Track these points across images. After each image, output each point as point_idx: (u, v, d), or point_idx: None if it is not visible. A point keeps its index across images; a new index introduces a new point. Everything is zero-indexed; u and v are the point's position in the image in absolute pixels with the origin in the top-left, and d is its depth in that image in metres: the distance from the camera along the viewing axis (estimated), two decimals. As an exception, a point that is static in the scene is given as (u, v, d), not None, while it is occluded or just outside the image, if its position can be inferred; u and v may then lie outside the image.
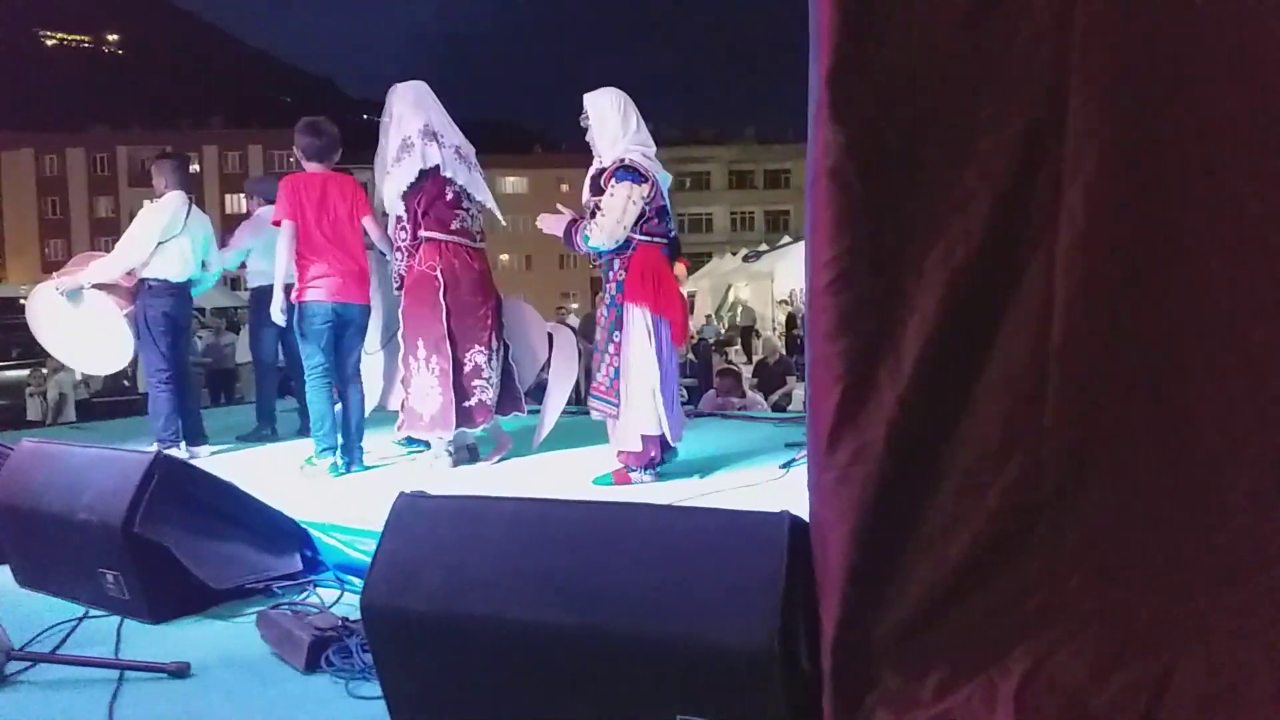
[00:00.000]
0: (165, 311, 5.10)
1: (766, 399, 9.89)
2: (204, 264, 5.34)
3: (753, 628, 1.74)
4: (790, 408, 10.26)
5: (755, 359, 16.12)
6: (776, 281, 23.18)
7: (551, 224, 4.27)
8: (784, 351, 14.59)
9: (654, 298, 3.99)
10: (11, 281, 38.60)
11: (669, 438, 4.08)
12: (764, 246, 15.61)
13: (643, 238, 4.02)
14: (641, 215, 3.99)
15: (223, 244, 5.84)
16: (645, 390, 3.99)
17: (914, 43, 1.78)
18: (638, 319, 4.00)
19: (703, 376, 11.94)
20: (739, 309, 24.27)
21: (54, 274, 5.34)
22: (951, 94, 1.77)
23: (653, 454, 4.09)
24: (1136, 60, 1.70)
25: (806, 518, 1.85)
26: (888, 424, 1.71)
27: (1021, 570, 1.73)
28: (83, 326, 5.21)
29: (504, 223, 5.02)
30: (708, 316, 23.67)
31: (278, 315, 4.63)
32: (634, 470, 4.10)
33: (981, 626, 1.72)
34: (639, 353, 4.00)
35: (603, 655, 1.88)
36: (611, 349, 4.06)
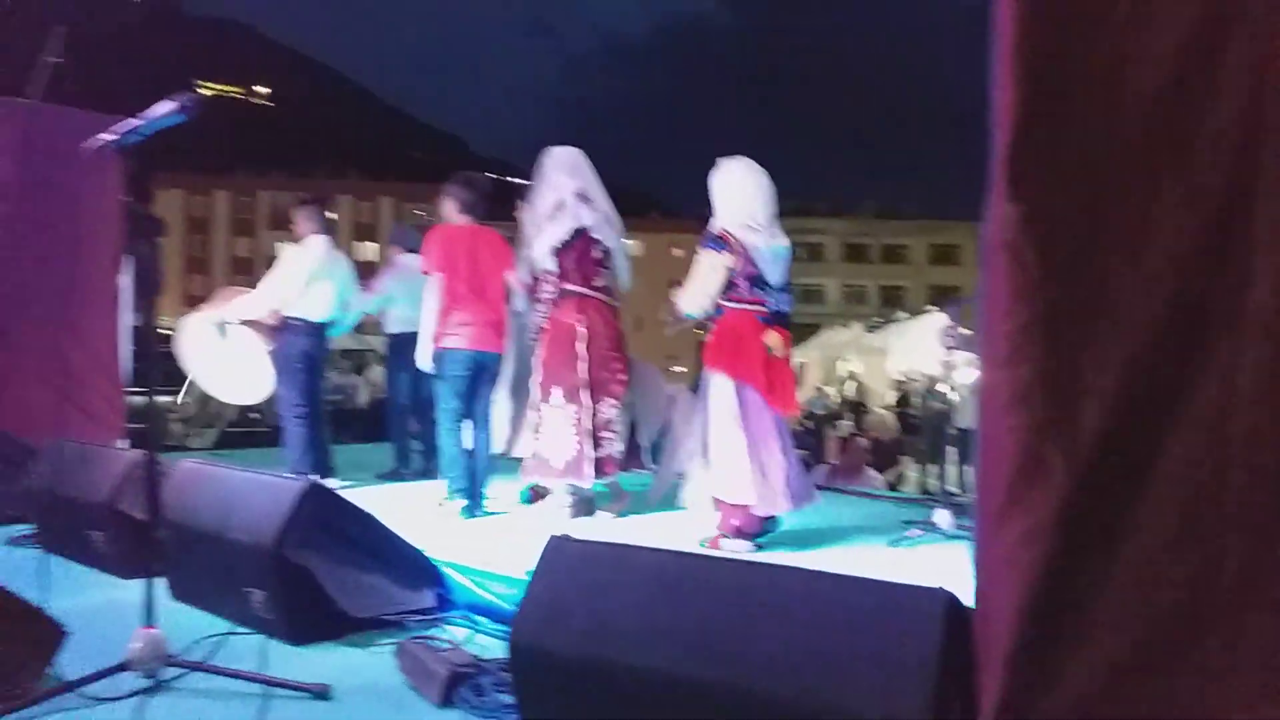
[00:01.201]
0: (305, 349, 5.34)
1: (880, 476, 9.68)
2: (343, 305, 5.59)
3: (903, 705, 1.72)
4: (903, 488, 10.02)
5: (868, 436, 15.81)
6: (890, 357, 22.78)
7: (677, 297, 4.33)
8: (898, 430, 14.29)
9: (731, 363, 4.00)
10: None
11: (761, 507, 3.99)
12: (877, 320, 15.43)
13: (731, 305, 4.06)
14: (731, 284, 4.03)
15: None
16: (727, 454, 3.99)
17: (1097, 120, 1.78)
18: (716, 384, 4.04)
19: (813, 449, 11.79)
20: (849, 384, 23.89)
21: (202, 308, 5.66)
22: (1135, 174, 1.76)
23: (735, 522, 4.02)
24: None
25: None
26: (1059, 506, 1.68)
27: (1198, 668, 1.66)
28: (227, 358, 5.49)
29: (626, 289, 5.11)
30: (817, 389, 23.38)
31: (426, 364, 4.80)
32: (726, 538, 4.06)
33: (1150, 722, 1.66)
34: (719, 418, 4.02)
35: (741, 716, 1.88)
36: (699, 413, 4.12)
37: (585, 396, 4.59)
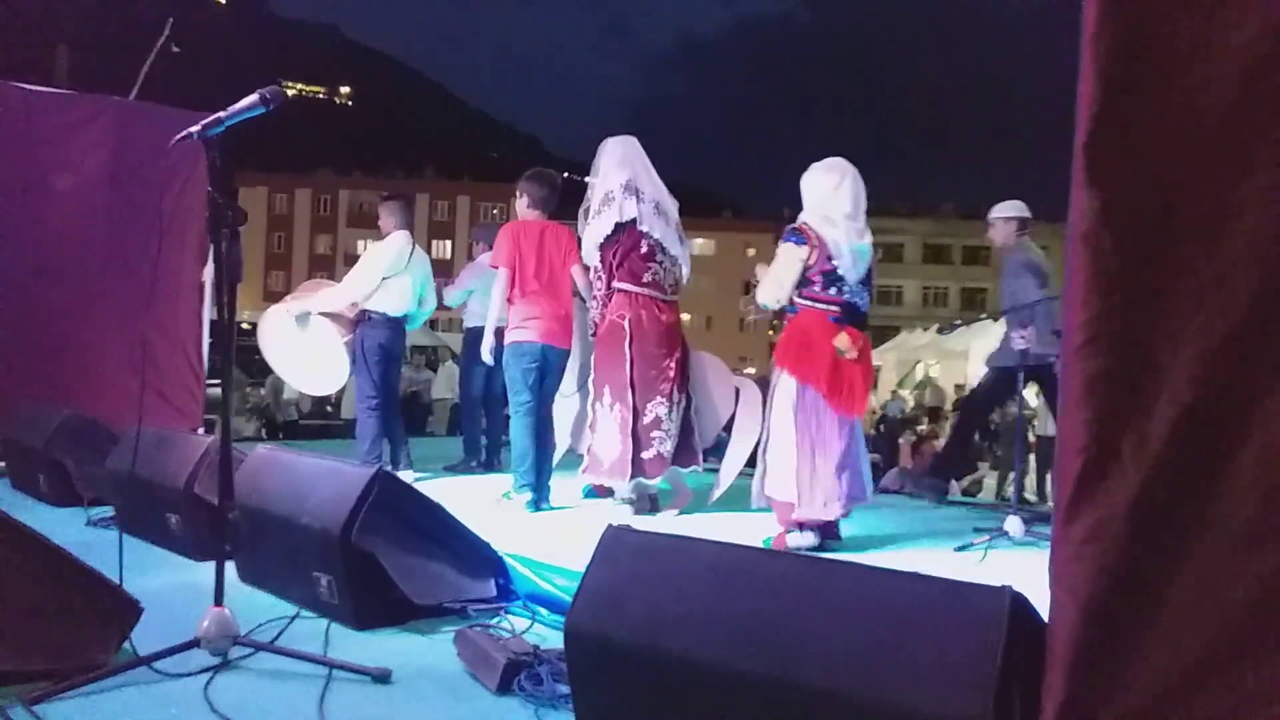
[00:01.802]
0: (381, 343, 5.43)
1: (956, 483, 9.49)
2: (420, 300, 5.67)
3: (965, 703, 1.67)
4: (980, 496, 9.81)
5: (944, 440, 15.54)
6: (970, 361, 22.33)
7: (759, 271, 4.30)
8: (976, 437, 13.98)
9: (794, 362, 3.97)
10: (236, 306, 41.84)
11: (802, 508, 3.95)
12: (959, 322, 15.15)
13: (804, 301, 4.02)
14: (805, 280, 3.98)
15: (437, 287, 6.19)
16: (782, 454, 3.96)
17: (1178, 107, 1.72)
18: (782, 383, 4.03)
19: (886, 453, 11.62)
20: (928, 388, 23.50)
21: (284, 300, 5.80)
22: (1217, 162, 1.70)
23: (794, 517, 3.99)
24: None
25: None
26: (1130, 501, 1.63)
27: (1270, 673, 1.59)
28: (307, 349, 5.61)
29: (685, 280, 5.05)
30: (893, 392, 23.03)
31: (486, 355, 4.87)
32: (790, 533, 4.02)
33: (1220, 728, 1.59)
34: (778, 416, 4.02)
35: (798, 710, 1.85)
36: (765, 411, 4.12)
37: (629, 396, 4.57)
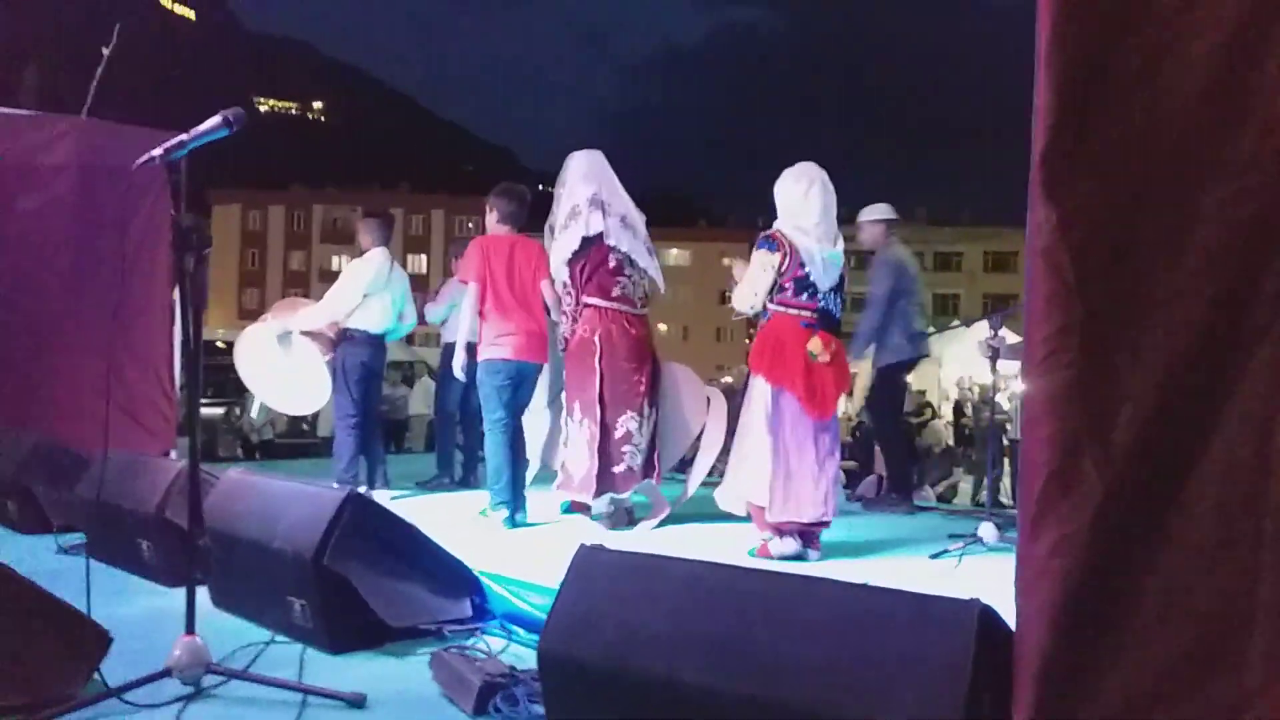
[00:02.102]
0: (363, 360, 5.43)
1: (931, 489, 9.55)
2: (400, 316, 5.67)
3: (936, 716, 1.68)
4: (955, 501, 9.87)
5: (920, 447, 15.61)
6: (944, 367, 22.46)
7: (736, 270, 4.32)
8: (950, 441, 14.07)
9: (769, 367, 4.01)
10: (211, 325, 41.61)
11: (774, 512, 3.96)
12: (931, 329, 15.22)
13: (776, 308, 4.07)
14: (777, 286, 4.02)
15: (416, 302, 6.17)
16: (754, 458, 3.99)
17: (1136, 121, 1.74)
18: (757, 387, 4.07)
19: (863, 460, 11.65)
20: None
21: (263, 317, 5.76)
22: (1175, 174, 1.72)
23: (772, 521, 4.00)
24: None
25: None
26: (1093, 515, 1.64)
27: (1232, 684, 1.60)
28: (287, 369, 5.57)
29: (662, 291, 5.09)
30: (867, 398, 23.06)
31: (458, 371, 4.85)
32: (770, 540, 4.03)
33: (1184, 740, 1.60)
34: (753, 420, 4.06)
35: (772, 729, 1.85)
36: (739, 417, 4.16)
37: (598, 412, 4.57)
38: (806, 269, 4.04)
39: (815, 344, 4.02)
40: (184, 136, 2.67)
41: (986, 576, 3.60)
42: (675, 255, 54.29)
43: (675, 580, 2.07)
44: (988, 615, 1.76)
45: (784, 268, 4.02)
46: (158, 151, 2.65)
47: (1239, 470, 1.64)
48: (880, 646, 1.79)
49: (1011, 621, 1.76)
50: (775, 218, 4.21)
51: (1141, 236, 1.72)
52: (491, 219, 5.01)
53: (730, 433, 5.87)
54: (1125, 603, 1.65)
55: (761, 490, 3.99)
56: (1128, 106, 1.74)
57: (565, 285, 4.76)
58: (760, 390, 4.04)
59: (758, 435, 4.02)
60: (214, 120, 2.69)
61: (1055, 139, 1.76)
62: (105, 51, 6.63)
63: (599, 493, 4.58)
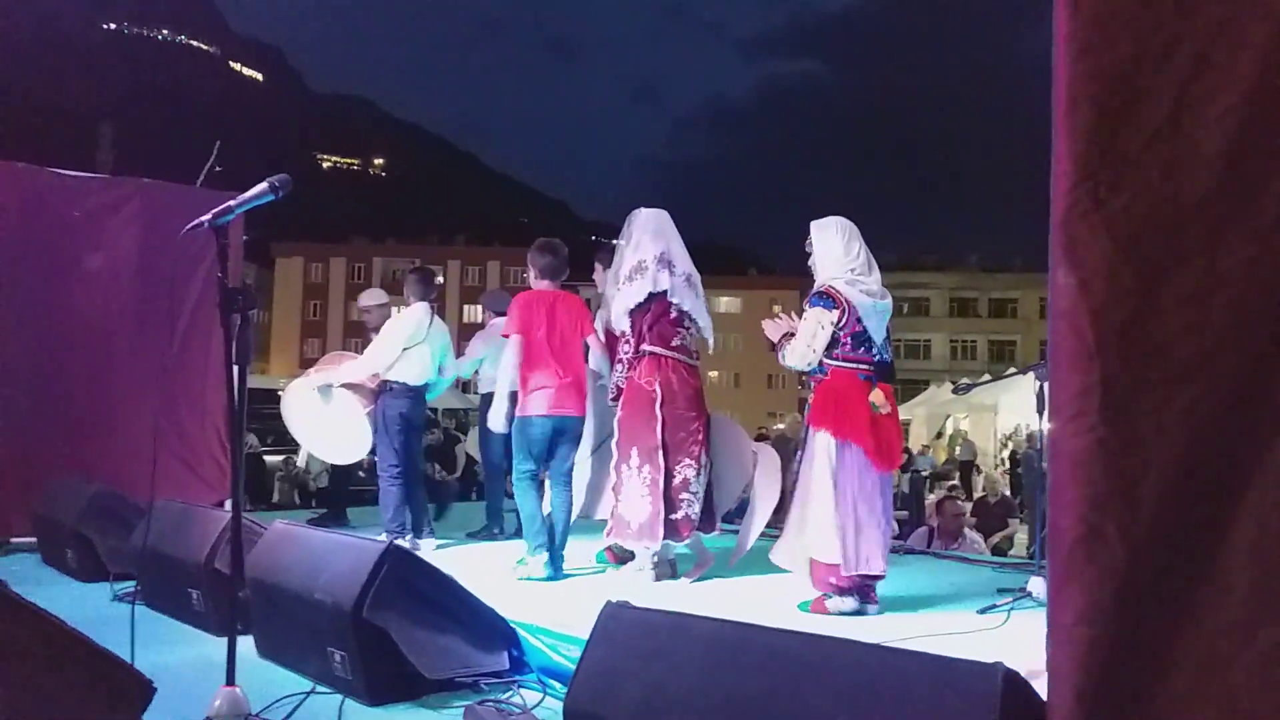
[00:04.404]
0: (402, 412, 5.54)
1: (986, 540, 9.34)
2: (440, 369, 5.77)
3: (960, 784, 1.66)
4: (1012, 552, 9.63)
5: (976, 497, 15.32)
6: (1000, 415, 22.12)
7: (770, 329, 4.36)
8: (1007, 491, 13.78)
9: (835, 423, 3.99)
10: (273, 374, 42.55)
11: (848, 565, 3.93)
12: (986, 377, 14.99)
13: (835, 363, 4.06)
14: (835, 341, 4.02)
15: (460, 351, 6.29)
16: (819, 516, 3.95)
17: (1154, 184, 1.73)
18: (820, 444, 4.04)
19: (914, 510, 11.48)
20: (959, 443, 23.24)
21: (308, 371, 5.92)
22: (1196, 238, 1.71)
23: (834, 580, 3.98)
24: None
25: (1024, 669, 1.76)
26: (1118, 582, 1.61)
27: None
28: (329, 420, 5.73)
29: (710, 348, 5.14)
30: (924, 446, 22.79)
31: (499, 424, 4.90)
32: (829, 598, 4.00)
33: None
34: (817, 478, 4.02)
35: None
36: (795, 471, 4.13)
37: (660, 458, 4.59)
38: (864, 324, 4.06)
39: (878, 396, 4.04)
40: (231, 203, 2.80)
41: (1033, 633, 3.52)
42: (726, 303, 54.31)
43: (699, 639, 2.07)
44: (1012, 679, 1.74)
45: (842, 323, 4.04)
46: (206, 218, 2.77)
47: (1271, 542, 1.60)
48: (904, 710, 1.77)
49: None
50: (808, 270, 4.25)
51: (1162, 300, 1.70)
52: (531, 275, 5.10)
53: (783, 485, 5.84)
54: (1156, 676, 1.62)
55: (827, 547, 3.96)
56: (1145, 168, 1.73)
57: (624, 334, 4.84)
58: (824, 445, 4.02)
59: (822, 491, 4.00)
60: (261, 187, 2.82)
61: (1074, 204, 1.77)
62: (209, 165, 7.01)
63: (664, 539, 4.59)
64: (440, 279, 52.51)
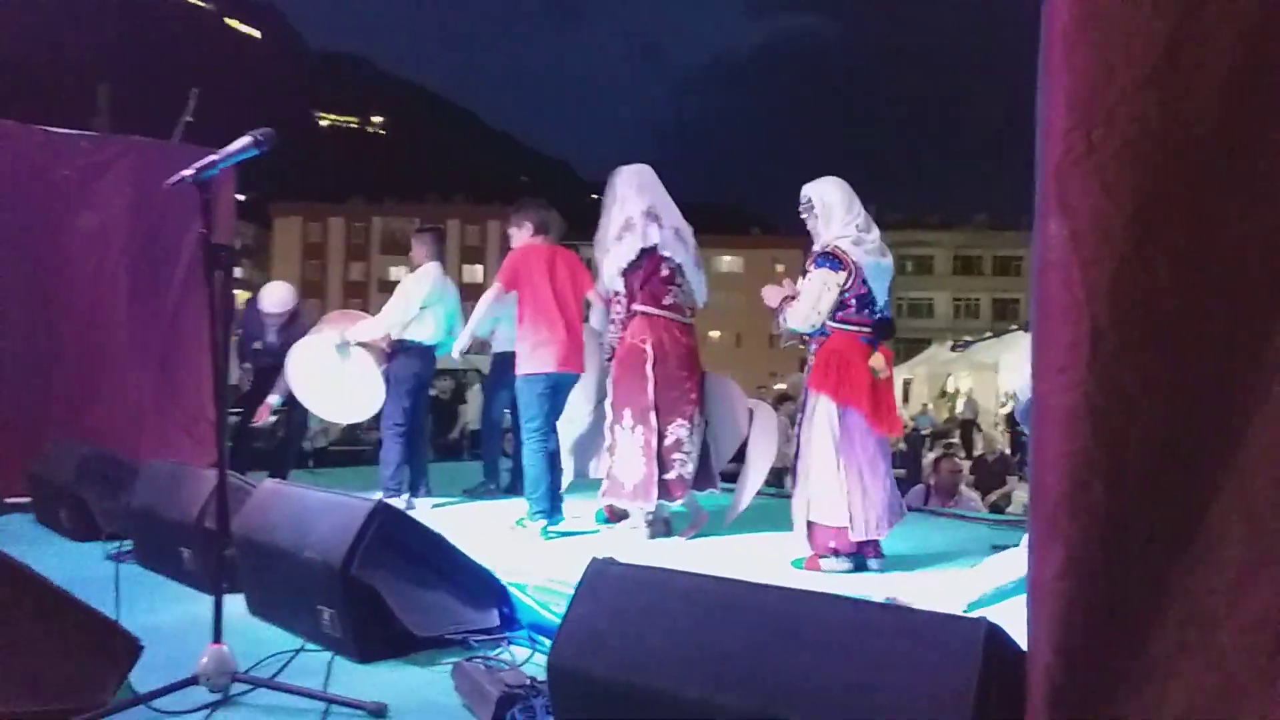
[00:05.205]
0: (415, 371, 5.58)
1: (984, 498, 9.37)
2: (450, 330, 5.77)
3: (942, 737, 1.64)
4: (1010, 509, 9.66)
5: (975, 454, 15.34)
6: (1001, 373, 22.07)
7: (770, 295, 4.31)
8: (1006, 449, 13.81)
9: (835, 386, 3.96)
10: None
11: (857, 531, 3.93)
12: (988, 334, 14.95)
13: (837, 325, 4.02)
14: (839, 302, 3.98)
15: (466, 313, 6.26)
16: (824, 478, 3.93)
17: (1150, 123, 1.67)
18: (821, 407, 4.01)
19: (911, 469, 11.50)
20: (960, 401, 23.24)
21: (315, 329, 5.86)
22: (1192, 180, 1.65)
23: (832, 544, 3.98)
24: None
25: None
26: (1101, 539, 1.59)
27: (1265, 718, 1.53)
28: (341, 378, 5.67)
29: (701, 305, 5.05)
30: (924, 405, 22.80)
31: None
32: (825, 558, 4.00)
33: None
34: (818, 440, 3.99)
35: (780, 747, 1.83)
36: (797, 433, 4.09)
37: (653, 418, 4.57)
38: (869, 285, 4.02)
39: (878, 360, 4.02)
40: (214, 156, 2.74)
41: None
42: (728, 262, 54.13)
43: (683, 595, 2.06)
44: (996, 635, 1.72)
45: (848, 284, 3.99)
46: (189, 172, 2.71)
47: (1269, 494, 1.57)
48: (885, 666, 1.76)
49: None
50: (805, 228, 4.19)
51: (1154, 248, 1.65)
52: (524, 234, 5.06)
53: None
54: (1142, 632, 1.59)
55: (831, 511, 3.95)
56: (1141, 106, 1.66)
57: (618, 295, 4.79)
58: (825, 409, 3.99)
59: (824, 455, 3.97)
60: (244, 140, 2.76)
61: (1067, 149, 1.71)
62: (191, 102, 6.88)
63: (656, 499, 4.59)
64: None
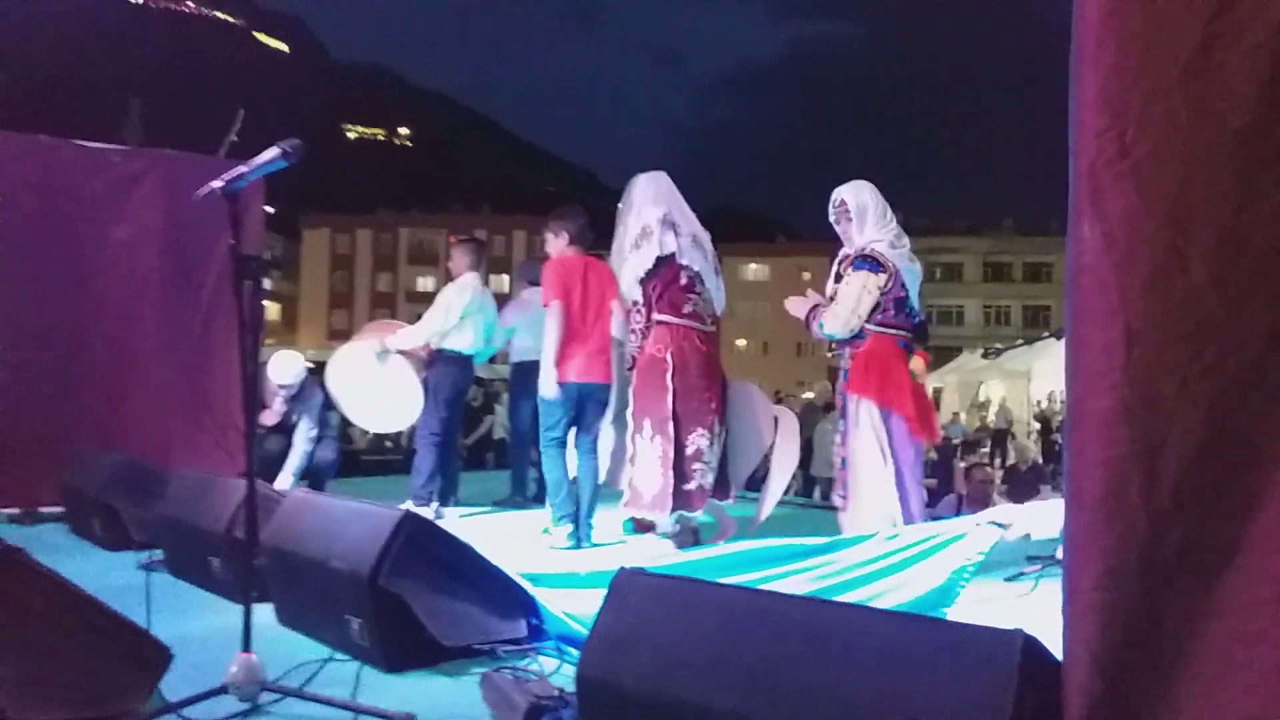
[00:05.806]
0: (454, 380, 5.61)
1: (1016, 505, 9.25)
2: (488, 340, 5.79)
3: (977, 752, 1.61)
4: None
5: (1007, 464, 15.18)
6: (1033, 381, 21.87)
7: (795, 306, 4.30)
8: (1039, 458, 13.67)
9: (879, 390, 3.92)
10: (301, 345, 42.79)
11: None
12: (1019, 342, 14.79)
13: (875, 328, 3.98)
14: (877, 306, 3.95)
15: None
16: (873, 484, 3.89)
17: (1181, 124, 1.64)
18: (863, 411, 3.97)
19: (943, 478, 11.39)
20: (993, 409, 23.03)
21: (355, 338, 5.90)
22: (1226, 181, 1.62)
23: None
24: None
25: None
26: (1140, 547, 1.55)
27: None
28: (380, 386, 5.71)
29: (720, 312, 5.00)
30: (954, 414, 22.59)
31: (550, 389, 4.75)
32: None
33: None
34: (864, 446, 3.95)
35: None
36: (839, 439, 4.05)
37: (671, 429, 4.55)
38: (907, 289, 4.00)
39: (918, 364, 4.01)
40: (243, 168, 2.76)
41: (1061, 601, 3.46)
42: (754, 271, 54.06)
43: (712, 605, 2.04)
44: (1032, 647, 1.68)
45: (888, 287, 3.96)
46: (218, 183, 2.73)
47: None
48: (918, 678, 1.73)
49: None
50: (837, 236, 4.17)
51: (1190, 249, 1.62)
52: (560, 243, 5.05)
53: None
54: (1183, 646, 1.54)
55: (883, 519, 3.90)
56: (1174, 105, 1.63)
57: (636, 304, 4.78)
58: (869, 413, 3.94)
59: (871, 462, 3.93)
60: (272, 152, 2.77)
61: (1099, 150, 1.69)
62: (236, 122, 6.96)
63: (674, 510, 4.57)
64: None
